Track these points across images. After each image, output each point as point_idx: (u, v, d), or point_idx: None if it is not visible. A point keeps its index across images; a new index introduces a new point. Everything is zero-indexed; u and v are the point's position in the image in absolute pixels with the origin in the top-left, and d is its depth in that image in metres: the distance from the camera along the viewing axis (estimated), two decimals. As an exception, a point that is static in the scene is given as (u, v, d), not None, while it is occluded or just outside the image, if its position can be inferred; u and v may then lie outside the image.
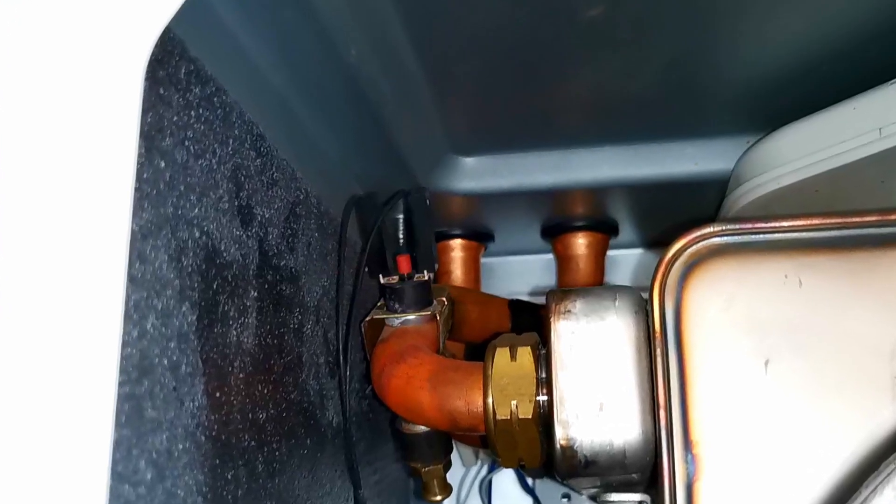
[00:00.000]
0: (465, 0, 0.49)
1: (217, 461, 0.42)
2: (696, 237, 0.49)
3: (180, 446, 0.38)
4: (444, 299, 0.66)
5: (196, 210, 0.41)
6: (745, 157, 0.66)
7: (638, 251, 0.92)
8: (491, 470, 0.91)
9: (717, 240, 0.50)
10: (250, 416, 0.46)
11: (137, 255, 0.35)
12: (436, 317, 0.63)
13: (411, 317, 0.63)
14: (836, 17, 0.52)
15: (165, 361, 0.37)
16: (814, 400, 0.46)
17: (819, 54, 0.55)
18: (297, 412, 0.54)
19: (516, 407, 0.54)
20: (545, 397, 0.54)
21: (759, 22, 0.52)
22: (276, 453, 0.50)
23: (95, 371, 0.32)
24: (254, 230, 0.48)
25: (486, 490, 0.91)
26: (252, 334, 0.47)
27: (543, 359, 0.55)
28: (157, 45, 0.35)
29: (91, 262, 0.33)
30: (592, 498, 0.59)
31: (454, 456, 0.69)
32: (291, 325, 0.54)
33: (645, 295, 0.52)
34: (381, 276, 0.64)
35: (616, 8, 0.50)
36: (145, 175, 0.36)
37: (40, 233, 0.33)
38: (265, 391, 0.49)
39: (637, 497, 0.57)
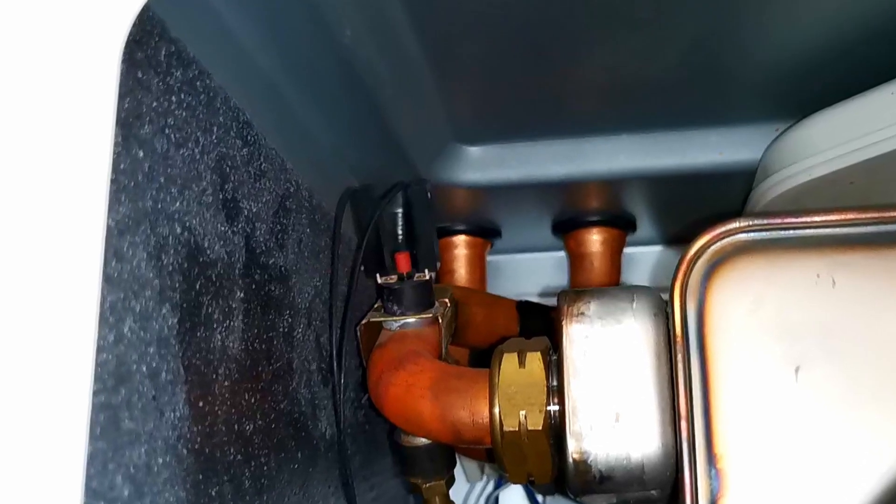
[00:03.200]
0: (470, -25, 0.50)
1: (200, 476, 0.42)
2: (721, 233, 0.49)
3: (160, 460, 0.38)
4: (447, 301, 0.66)
5: (177, 204, 0.41)
6: (773, 147, 0.66)
7: (657, 248, 0.92)
8: (498, 486, 0.91)
9: (743, 236, 0.49)
10: (236, 427, 0.46)
11: (114, 252, 0.35)
12: (438, 320, 0.63)
13: (411, 319, 0.63)
14: (874, -6, 0.52)
15: (144, 368, 0.37)
16: (848, 410, 0.46)
17: (854, 35, 0.55)
18: (287, 423, 0.54)
19: (525, 417, 0.54)
20: (556, 407, 0.54)
21: (790, -1, 0.52)
22: (265, 468, 0.50)
23: (68, 379, 0.32)
24: (240, 225, 0.48)
25: (493, 507, 0.91)
26: (238, 339, 0.47)
27: (555, 365, 0.55)
28: (134, 25, 0.35)
29: (63, 260, 0.32)
30: (607, 516, 0.59)
31: (458, 471, 0.69)
32: (281, 329, 0.54)
33: (665, 296, 0.52)
34: (378, 275, 0.64)
35: (634, -16, 0.50)
36: (122, 166, 0.36)
37: (7, 229, 0.32)
38: (252, 400, 0.49)
39: (656, 515, 0.57)
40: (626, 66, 0.60)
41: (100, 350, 0.33)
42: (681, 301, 0.49)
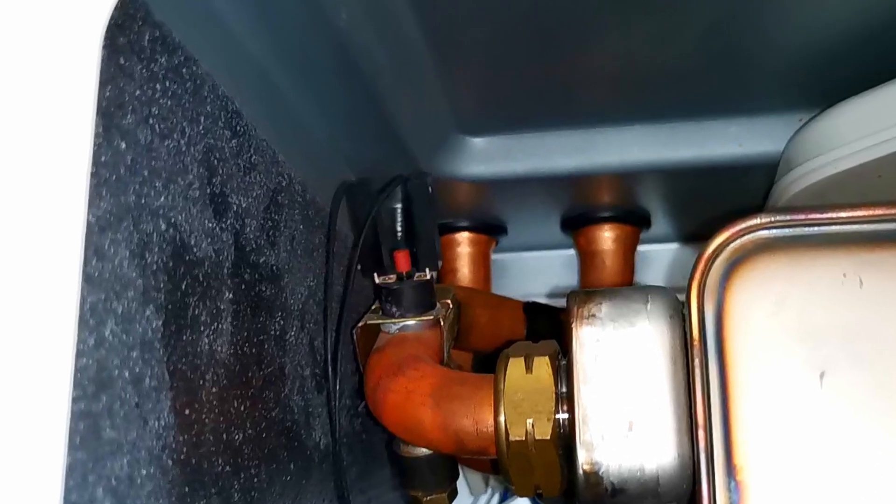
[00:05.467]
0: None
1: (186, 489, 0.42)
2: (741, 230, 0.49)
3: (143, 472, 0.38)
4: (449, 302, 0.66)
5: (162, 198, 0.41)
6: (797, 138, 0.65)
7: (673, 246, 0.92)
8: (503, 499, 0.91)
9: (764, 233, 0.49)
10: (224, 436, 0.46)
11: (94, 250, 0.35)
12: (439, 322, 0.63)
13: (411, 322, 0.63)
14: (904, -25, 0.52)
15: (126, 374, 0.37)
16: (877, 418, 0.46)
17: (883, 19, 0.55)
18: (278, 432, 0.54)
19: (532, 426, 0.54)
20: (566, 415, 0.54)
21: (815, -20, 0.52)
22: (255, 480, 0.50)
23: (46, 385, 0.32)
24: (229, 222, 0.48)
25: (498, 522, 0.91)
26: (227, 342, 0.47)
27: (564, 371, 0.55)
28: (116, 8, 0.35)
29: (41, 258, 0.32)
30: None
31: (460, 483, 0.69)
32: (272, 332, 0.54)
33: (681, 297, 0.52)
34: (375, 274, 0.64)
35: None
36: (103, 158, 0.36)
37: (-18, 225, 0.33)
38: (242, 408, 0.49)
39: (672, 530, 0.57)
40: (640, 52, 0.60)
41: (79, 354, 0.33)
42: (698, 302, 0.49)
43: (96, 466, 0.34)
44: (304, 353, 0.59)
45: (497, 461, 0.56)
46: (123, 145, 0.37)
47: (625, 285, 0.84)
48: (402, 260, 0.63)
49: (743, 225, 0.49)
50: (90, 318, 0.34)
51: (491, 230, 0.86)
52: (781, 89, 0.65)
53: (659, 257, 0.92)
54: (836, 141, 0.60)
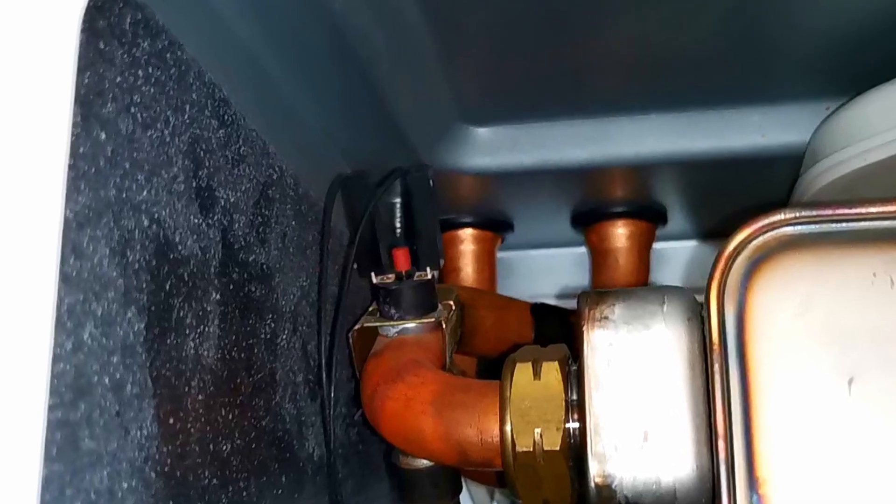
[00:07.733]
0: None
1: (170, 503, 0.42)
2: (764, 226, 0.49)
3: (125, 485, 0.38)
4: (452, 303, 0.66)
5: (144, 193, 0.41)
6: (823, 128, 0.65)
7: (691, 243, 0.92)
8: (509, 513, 0.91)
9: (789, 229, 0.49)
10: (211, 447, 0.46)
11: (72, 248, 0.35)
12: (441, 325, 0.63)
13: (411, 325, 0.63)
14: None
15: (106, 380, 0.37)
16: (909, 428, 0.46)
17: (917, 0, 0.55)
18: (269, 442, 0.54)
19: (541, 436, 0.54)
20: (577, 424, 0.54)
21: (843, -41, 0.52)
22: (244, 493, 0.50)
23: (20, 392, 0.32)
24: (216, 217, 0.48)
25: (504, 538, 0.91)
26: (213, 346, 0.47)
27: (574, 377, 0.55)
28: (95, -11, 0.35)
29: (15, 257, 0.32)
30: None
31: (464, 496, 0.69)
32: (262, 336, 0.54)
33: (700, 298, 0.51)
34: (373, 274, 0.64)
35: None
36: (82, 150, 0.36)
37: (-48, 221, 0.33)
38: (230, 416, 0.49)
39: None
40: (656, 35, 0.60)
41: (56, 359, 0.33)
42: (718, 303, 0.49)
43: (74, 479, 0.34)
44: (297, 357, 0.59)
45: (503, 473, 0.56)
46: (103, 136, 0.37)
47: (639, 285, 0.84)
48: (402, 258, 0.63)
49: (766, 221, 0.49)
50: (68, 320, 0.34)
51: (496, 226, 0.86)
52: (807, 76, 0.65)
53: (676, 255, 0.92)
54: (865, 131, 0.60)
